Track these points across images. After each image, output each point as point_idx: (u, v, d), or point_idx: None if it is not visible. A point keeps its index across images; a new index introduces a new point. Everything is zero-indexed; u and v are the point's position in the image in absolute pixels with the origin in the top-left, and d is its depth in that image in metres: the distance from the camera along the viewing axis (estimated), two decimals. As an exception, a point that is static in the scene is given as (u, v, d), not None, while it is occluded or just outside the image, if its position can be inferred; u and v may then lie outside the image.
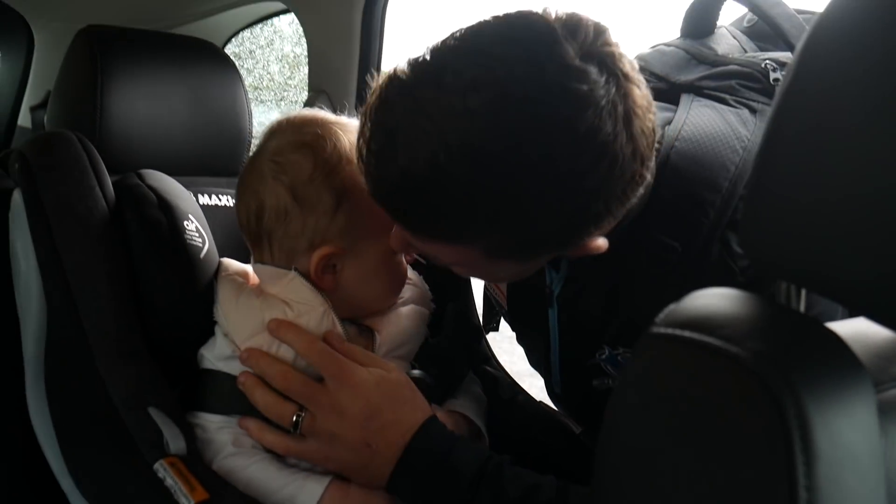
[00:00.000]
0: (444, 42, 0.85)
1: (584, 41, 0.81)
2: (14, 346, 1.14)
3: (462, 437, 1.03)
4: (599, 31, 0.83)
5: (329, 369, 1.00)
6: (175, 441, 0.99)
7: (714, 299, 0.57)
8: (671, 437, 0.52)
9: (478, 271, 1.02)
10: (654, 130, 0.88)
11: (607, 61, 0.82)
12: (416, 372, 1.11)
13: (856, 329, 0.64)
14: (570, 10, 0.85)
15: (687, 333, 0.53)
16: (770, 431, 0.47)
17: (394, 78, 0.86)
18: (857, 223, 0.49)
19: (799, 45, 0.54)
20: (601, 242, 0.95)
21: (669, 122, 1.05)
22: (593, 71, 0.80)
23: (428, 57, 0.84)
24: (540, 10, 0.84)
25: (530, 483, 0.97)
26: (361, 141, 0.89)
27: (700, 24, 1.21)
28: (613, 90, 0.81)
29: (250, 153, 1.30)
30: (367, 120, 0.88)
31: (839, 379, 0.51)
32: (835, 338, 0.54)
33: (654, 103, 0.90)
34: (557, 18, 0.83)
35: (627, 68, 0.84)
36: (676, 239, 1.00)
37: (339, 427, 0.98)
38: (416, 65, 0.85)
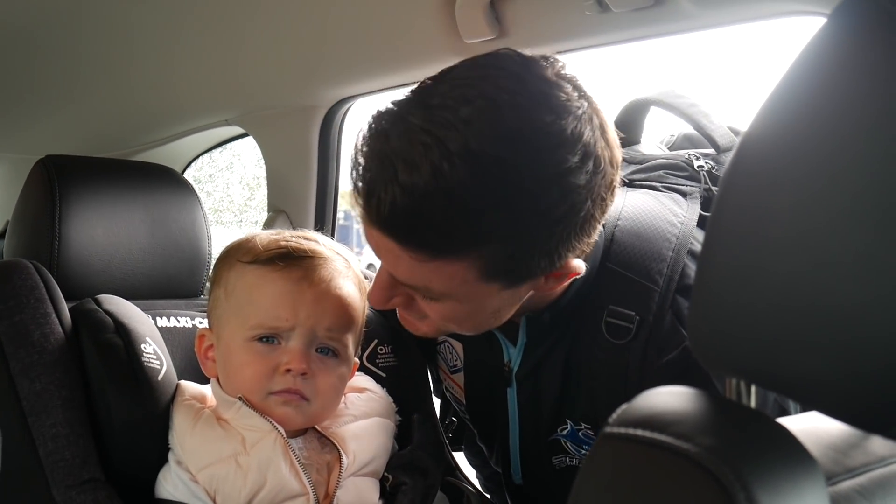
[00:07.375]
0: (418, 85, 0.92)
1: (554, 66, 0.93)
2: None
3: None
4: (564, 64, 0.94)
5: None
6: None
7: (665, 397, 0.58)
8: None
9: (465, 308, 1.00)
10: (619, 147, 0.97)
11: (577, 83, 0.92)
12: None
13: (808, 423, 0.66)
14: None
15: (639, 432, 0.54)
16: (724, 526, 0.47)
17: (382, 112, 0.91)
18: (800, 319, 0.51)
19: (732, 154, 0.57)
20: (580, 265, 0.99)
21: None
22: (567, 87, 0.91)
23: (410, 94, 0.92)
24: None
25: None
26: (355, 173, 0.93)
27: (626, 133, 1.32)
28: (586, 104, 0.92)
29: (209, 274, 1.31)
30: (358, 153, 0.92)
31: (790, 472, 0.52)
32: (785, 432, 0.55)
33: None
34: (523, 55, 0.93)
35: (592, 94, 0.94)
36: (632, 308, 1.05)
37: None
38: (399, 101, 0.91)
